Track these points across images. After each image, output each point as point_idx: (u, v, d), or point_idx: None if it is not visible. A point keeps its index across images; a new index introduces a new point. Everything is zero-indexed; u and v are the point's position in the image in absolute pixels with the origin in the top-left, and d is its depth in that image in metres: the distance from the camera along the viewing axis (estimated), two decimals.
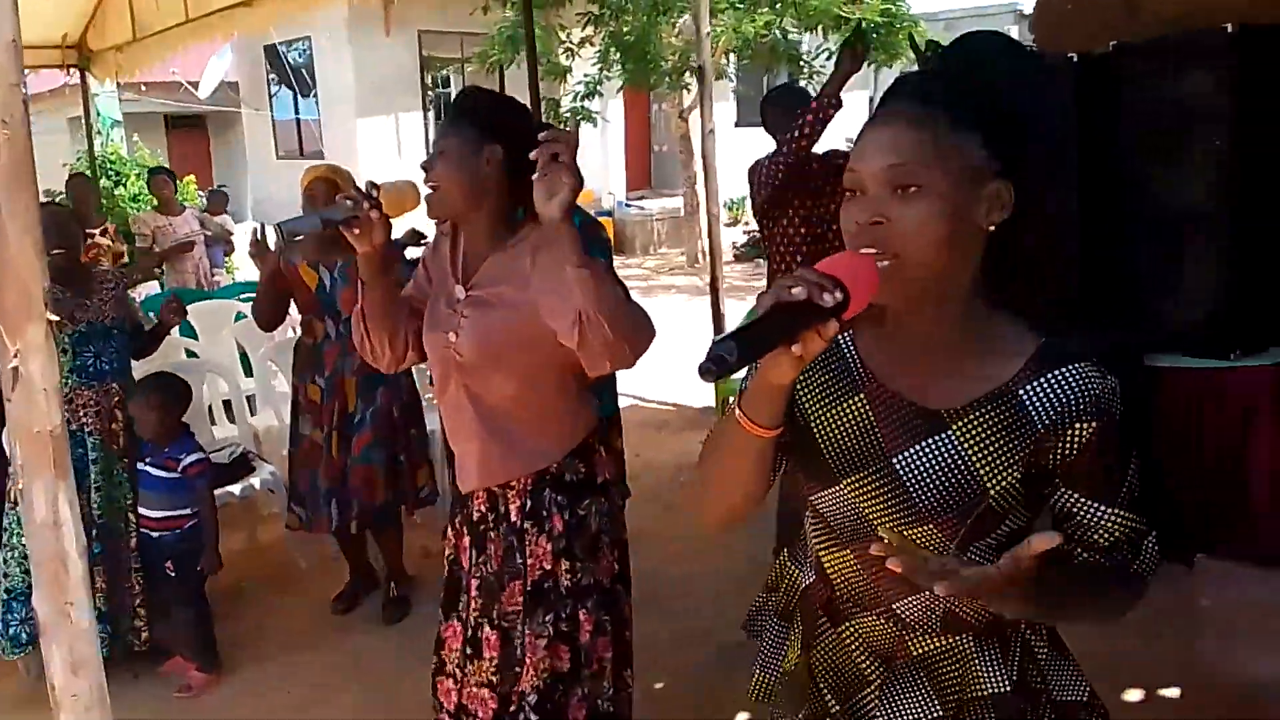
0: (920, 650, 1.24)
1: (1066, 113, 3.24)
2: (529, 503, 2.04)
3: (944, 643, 1.23)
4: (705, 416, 5.53)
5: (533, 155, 1.66)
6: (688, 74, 10.94)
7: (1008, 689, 1.21)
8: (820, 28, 10.88)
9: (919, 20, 11.22)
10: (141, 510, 3.10)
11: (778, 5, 10.65)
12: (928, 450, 1.16)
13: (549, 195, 1.67)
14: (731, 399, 1.24)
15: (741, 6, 10.75)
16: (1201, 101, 3.17)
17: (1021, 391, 1.13)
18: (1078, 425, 1.11)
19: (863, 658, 1.27)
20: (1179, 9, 3.75)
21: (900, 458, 1.17)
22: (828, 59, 10.17)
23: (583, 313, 1.74)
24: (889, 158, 1.09)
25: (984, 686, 1.21)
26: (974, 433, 1.14)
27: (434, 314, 2.09)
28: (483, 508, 2.10)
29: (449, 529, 2.22)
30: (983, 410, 1.14)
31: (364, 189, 1.93)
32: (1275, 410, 3.14)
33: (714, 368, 0.93)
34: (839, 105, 3.15)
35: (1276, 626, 2.92)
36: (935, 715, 1.21)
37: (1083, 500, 1.14)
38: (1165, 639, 2.81)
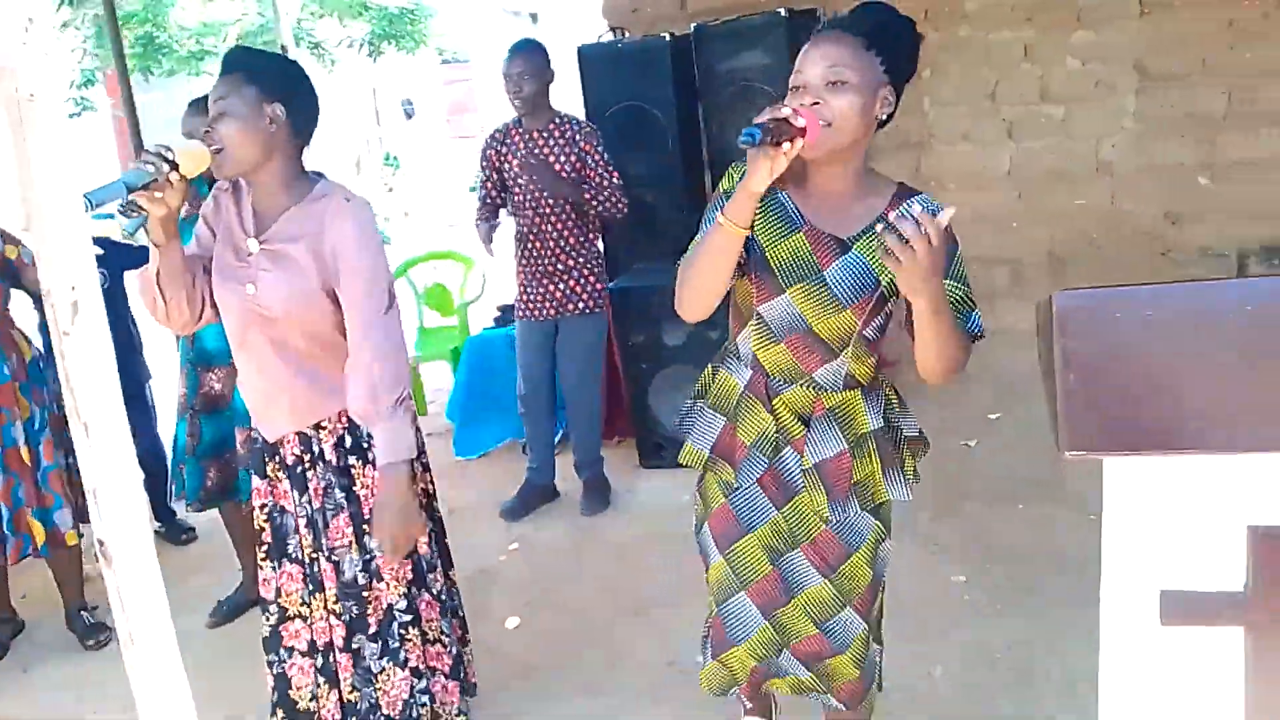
0: (830, 404, 1.83)
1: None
2: (348, 438, 2.19)
3: (844, 397, 1.84)
4: None
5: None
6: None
7: (881, 424, 1.85)
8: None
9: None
10: None
11: None
12: (842, 264, 1.74)
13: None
14: None
15: None
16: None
17: (890, 216, 1.61)
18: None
19: (790, 419, 1.85)
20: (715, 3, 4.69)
21: (828, 271, 1.74)
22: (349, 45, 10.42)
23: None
24: (827, 61, 1.63)
25: (867, 424, 1.84)
26: (867, 246, 1.73)
27: (223, 267, 2.13)
28: (296, 450, 2.20)
29: (259, 479, 2.27)
30: (870, 233, 1.72)
31: (157, 151, 1.94)
32: None
33: (750, 140, 1.49)
34: None
35: None
36: (842, 444, 1.83)
37: None
38: None
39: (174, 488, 3.34)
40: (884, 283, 1.73)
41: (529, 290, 3.80)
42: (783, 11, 4.00)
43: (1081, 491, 3.46)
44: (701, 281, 1.74)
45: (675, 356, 3.98)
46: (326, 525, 2.20)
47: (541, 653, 2.97)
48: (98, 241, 3.40)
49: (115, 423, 1.18)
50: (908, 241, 1.45)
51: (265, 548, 2.28)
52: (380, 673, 2.24)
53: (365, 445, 2.20)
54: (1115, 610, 1.67)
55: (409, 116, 19.57)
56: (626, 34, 4.54)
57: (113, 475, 1.18)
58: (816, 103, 1.62)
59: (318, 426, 2.18)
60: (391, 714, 2.25)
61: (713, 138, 4.27)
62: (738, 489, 1.90)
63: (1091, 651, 2.69)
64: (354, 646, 2.23)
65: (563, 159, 3.64)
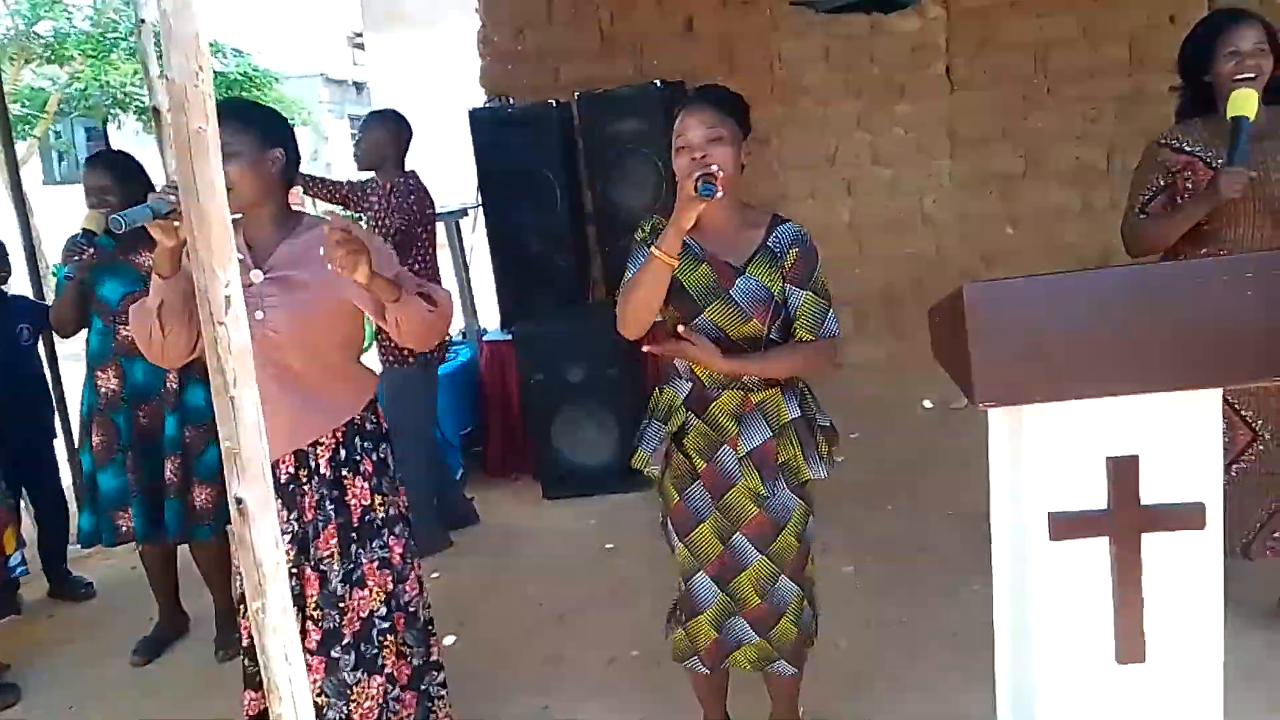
0: (757, 400, 2.22)
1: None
2: (342, 452, 2.39)
3: (767, 394, 2.23)
4: None
5: (323, 248, 2.06)
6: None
7: (799, 414, 2.25)
8: None
9: (277, 77, 11.90)
10: None
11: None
12: (741, 283, 2.16)
13: (353, 270, 2.07)
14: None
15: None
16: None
17: (769, 243, 2.18)
18: (791, 250, 2.17)
19: (725, 419, 2.22)
20: (582, 75, 5.17)
21: (732, 290, 2.16)
22: None
23: (399, 322, 2.22)
24: (706, 123, 2.10)
25: (789, 414, 2.23)
26: (757, 269, 2.16)
27: None
28: (290, 468, 2.39)
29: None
30: (756, 258, 2.17)
31: (173, 185, 2.13)
32: None
33: (709, 192, 1.93)
34: None
35: None
36: (768, 432, 2.21)
37: (793, 288, 2.16)
38: None
39: (104, 537, 3.33)
40: (775, 293, 2.17)
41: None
42: (657, 83, 4.49)
43: (937, 492, 4.01)
44: (640, 305, 2.13)
45: (575, 393, 4.31)
46: (316, 536, 2.38)
47: (483, 661, 3.19)
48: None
49: (253, 400, 1.42)
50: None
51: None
52: (356, 684, 2.38)
53: (357, 458, 2.41)
54: (1004, 535, 2.15)
55: None
56: (511, 100, 4.91)
57: (252, 444, 1.42)
58: (704, 155, 2.06)
59: (315, 444, 2.38)
60: None
61: (596, 194, 4.67)
62: (691, 481, 2.26)
63: (964, 615, 3.33)
64: (334, 656, 2.39)
65: None
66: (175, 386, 3.21)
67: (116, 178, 3.14)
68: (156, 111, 5.74)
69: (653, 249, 2.07)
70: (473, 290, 5.17)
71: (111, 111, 10.94)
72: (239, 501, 1.42)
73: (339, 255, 2.02)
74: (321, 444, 2.38)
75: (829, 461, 2.29)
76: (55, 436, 3.95)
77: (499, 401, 4.68)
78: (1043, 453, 1.90)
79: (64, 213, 4.45)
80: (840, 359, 2.30)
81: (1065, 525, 1.95)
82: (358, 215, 3.85)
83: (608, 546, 3.96)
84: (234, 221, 2.38)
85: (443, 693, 2.58)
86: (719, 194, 1.97)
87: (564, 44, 5.30)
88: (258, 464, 1.42)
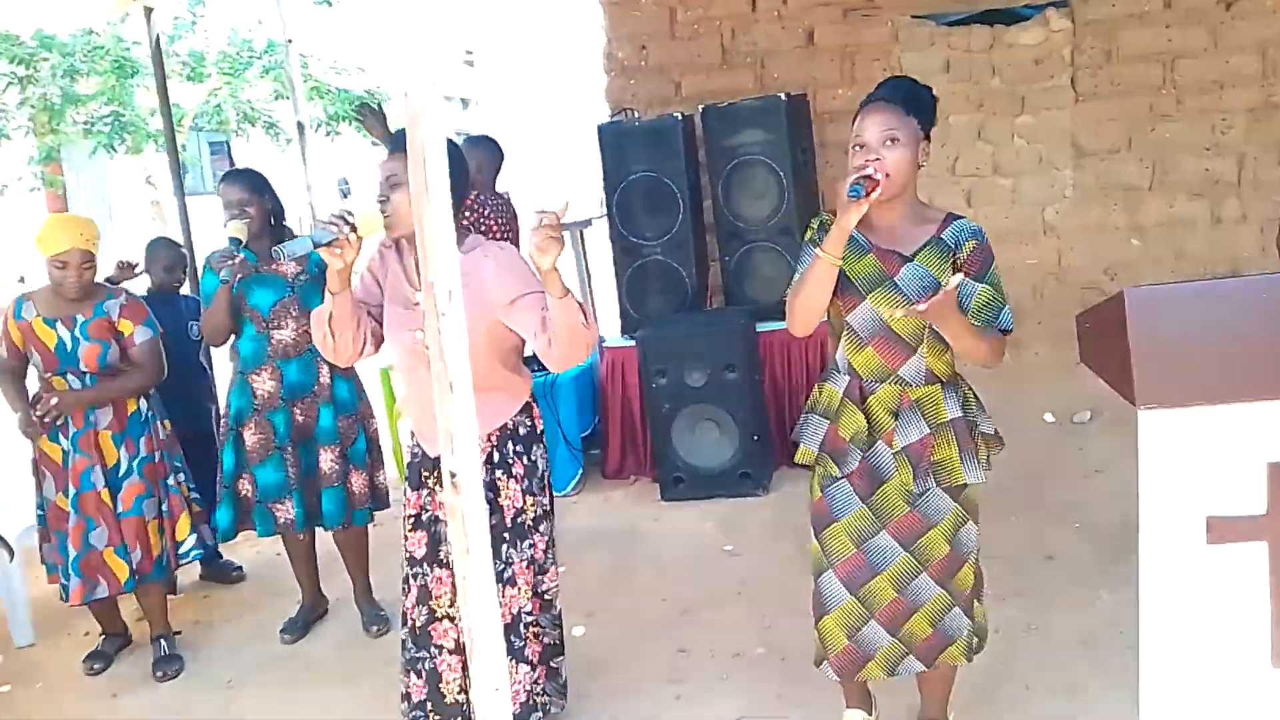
0: (915, 396, 2.26)
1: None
2: (496, 454, 2.55)
3: (926, 390, 2.26)
4: None
5: (533, 228, 2.18)
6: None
7: (960, 415, 2.27)
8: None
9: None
10: None
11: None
12: (908, 271, 2.22)
13: (542, 252, 2.19)
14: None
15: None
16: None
17: (943, 235, 2.22)
18: (967, 242, 2.22)
19: (883, 413, 2.28)
20: (703, 87, 5.29)
21: (897, 277, 2.22)
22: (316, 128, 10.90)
23: (549, 325, 2.33)
24: (882, 125, 2.15)
25: (948, 414, 2.26)
26: (926, 259, 2.22)
27: (394, 316, 2.52)
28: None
29: (412, 491, 2.60)
30: (927, 248, 2.23)
31: (341, 215, 2.33)
32: None
33: (857, 194, 2.04)
34: None
35: None
36: (925, 429, 2.25)
37: (969, 280, 2.20)
38: None
39: (261, 527, 3.51)
40: (944, 285, 2.18)
41: None
42: (783, 95, 4.58)
43: (1063, 504, 3.99)
44: (809, 304, 2.23)
45: (696, 397, 4.42)
46: None
47: (612, 651, 3.30)
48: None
49: (467, 383, 1.56)
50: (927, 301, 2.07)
51: (412, 555, 2.60)
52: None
53: (510, 461, 2.56)
54: (1155, 538, 2.17)
55: (344, 195, 19.90)
56: (636, 114, 5.07)
57: (466, 424, 1.56)
58: (878, 158, 2.12)
59: None
60: (514, 708, 2.56)
61: (717, 204, 4.78)
62: (835, 481, 2.32)
63: (1096, 622, 3.31)
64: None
65: None
66: (329, 381, 3.43)
67: (251, 191, 3.36)
68: (301, 126, 6.14)
69: (817, 250, 2.17)
70: (594, 298, 5.32)
71: (240, 127, 11.54)
72: (453, 475, 1.56)
73: (542, 235, 2.15)
74: (479, 446, 2.54)
75: (986, 467, 2.30)
76: (218, 427, 4.20)
77: (618, 406, 4.82)
78: (1202, 456, 1.92)
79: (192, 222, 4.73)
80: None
81: (1222, 529, 1.97)
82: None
83: (727, 548, 4.04)
84: (397, 244, 2.57)
85: (564, 673, 2.76)
86: (874, 196, 2.06)
87: (685, 57, 5.44)
88: (471, 441, 1.56)
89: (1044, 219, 5.26)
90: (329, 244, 2.29)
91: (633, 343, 4.61)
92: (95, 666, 3.47)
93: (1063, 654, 2.98)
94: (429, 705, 2.60)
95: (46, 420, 3.22)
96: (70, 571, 3.26)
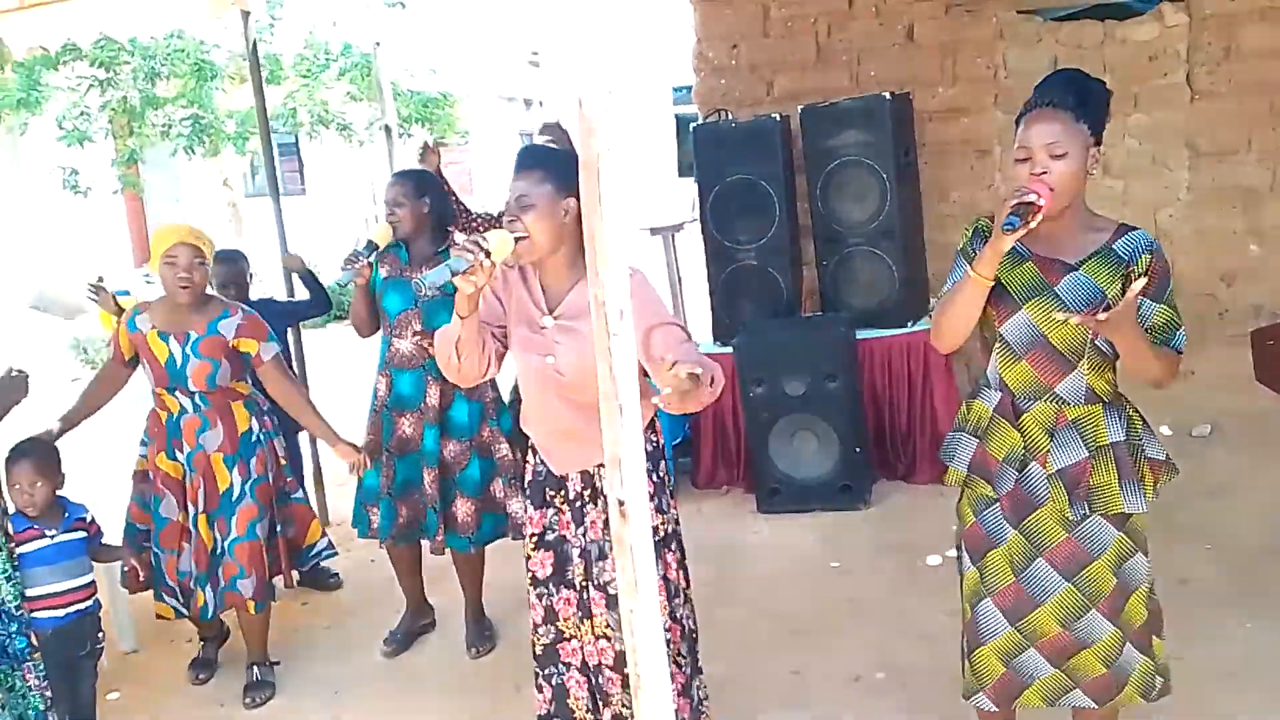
0: (1072, 416, 2.11)
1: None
2: None
3: (1086, 410, 2.11)
4: None
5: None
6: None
7: (1122, 438, 2.11)
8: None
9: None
10: (37, 591, 2.77)
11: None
12: (1071, 280, 2.06)
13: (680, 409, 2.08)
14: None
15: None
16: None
17: (1115, 246, 2.05)
18: (1144, 256, 2.05)
19: (1037, 431, 2.13)
20: (796, 86, 5.16)
21: (1058, 286, 2.07)
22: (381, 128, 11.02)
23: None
24: (1048, 137, 1.99)
25: (1109, 436, 2.10)
26: (1093, 269, 2.06)
27: (522, 339, 2.43)
28: (578, 487, 2.46)
29: (535, 509, 2.52)
30: (1095, 258, 2.07)
31: (475, 241, 2.24)
32: (939, 361, 4.49)
33: (1012, 227, 1.93)
34: None
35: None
36: (1084, 452, 2.10)
37: (1147, 301, 2.03)
38: None
39: (358, 527, 3.53)
40: (1110, 297, 2.04)
41: None
42: (886, 95, 4.43)
43: (1192, 523, 3.78)
44: (956, 322, 2.12)
45: (794, 406, 4.29)
46: (603, 557, 2.42)
47: (724, 672, 3.18)
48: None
49: (636, 408, 1.47)
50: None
51: (535, 575, 2.51)
52: None
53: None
54: None
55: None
56: (731, 115, 4.94)
57: (633, 450, 1.47)
58: (1044, 172, 1.98)
59: (599, 465, 2.44)
60: None
61: (814, 207, 4.65)
62: (990, 505, 2.19)
63: (1241, 653, 3.04)
64: (624, 670, 2.45)
65: None
66: (436, 403, 3.32)
67: (406, 194, 3.31)
68: (388, 129, 6.11)
69: (967, 269, 2.04)
70: (685, 304, 5.22)
71: (314, 129, 11.63)
72: (620, 503, 1.47)
73: (674, 398, 2.06)
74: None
75: (1152, 495, 2.13)
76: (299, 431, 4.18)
77: (710, 414, 4.70)
78: None
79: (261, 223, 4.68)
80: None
81: None
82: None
83: (833, 565, 3.91)
84: (527, 267, 2.49)
85: (706, 697, 2.61)
86: (1034, 224, 1.93)
87: (779, 56, 5.30)
88: (639, 468, 1.47)
89: (1156, 223, 5.02)
90: (466, 271, 2.20)
91: (728, 349, 4.49)
92: (201, 676, 3.45)
93: (1211, 688, 2.80)
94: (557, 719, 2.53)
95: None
96: (194, 588, 3.22)
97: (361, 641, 3.64)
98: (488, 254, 2.20)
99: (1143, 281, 1.94)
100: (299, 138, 13.99)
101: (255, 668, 3.40)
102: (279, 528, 3.37)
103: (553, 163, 2.39)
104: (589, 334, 2.35)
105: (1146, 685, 2.20)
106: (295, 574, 3.67)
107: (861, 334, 4.49)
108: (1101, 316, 1.91)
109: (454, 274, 2.19)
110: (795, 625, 3.44)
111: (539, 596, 2.51)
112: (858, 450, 4.31)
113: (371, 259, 3.26)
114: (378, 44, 5.44)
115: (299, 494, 3.51)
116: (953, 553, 3.80)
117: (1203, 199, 4.98)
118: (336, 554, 3.66)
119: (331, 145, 12.46)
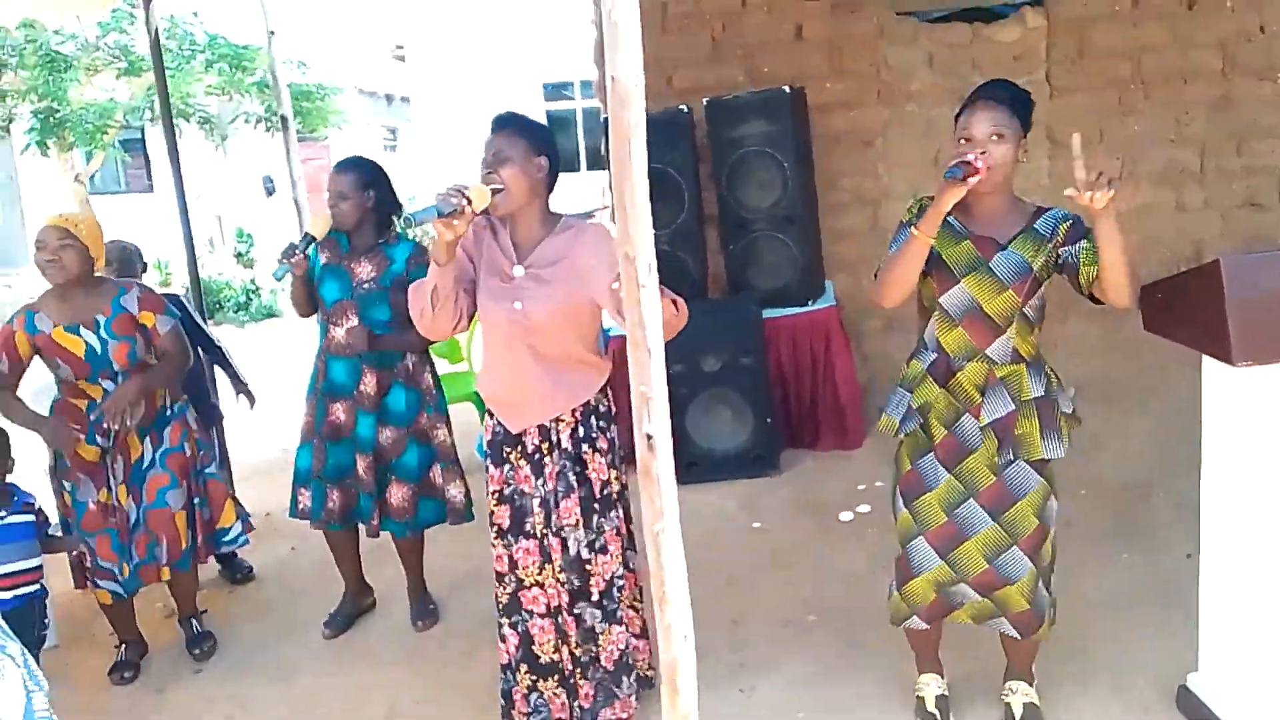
0: (1001, 374, 2.42)
1: None
2: (581, 429, 2.64)
3: (1012, 369, 2.42)
4: None
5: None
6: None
7: (1042, 394, 2.42)
8: None
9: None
10: None
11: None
12: (1001, 256, 2.38)
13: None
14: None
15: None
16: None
17: (1036, 225, 2.37)
18: (1061, 225, 2.39)
19: (970, 388, 2.43)
20: (694, 80, 5.41)
21: (992, 262, 2.38)
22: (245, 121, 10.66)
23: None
24: (989, 123, 2.32)
25: (1032, 392, 2.41)
26: (1020, 245, 2.38)
27: (492, 289, 2.58)
28: (535, 440, 2.63)
29: (495, 468, 2.67)
30: (1021, 236, 2.39)
31: (458, 189, 2.39)
32: (839, 337, 4.82)
33: (954, 175, 2.21)
34: None
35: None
36: (1010, 406, 2.40)
37: (1068, 247, 2.35)
38: None
39: (290, 509, 3.55)
40: (1036, 269, 2.36)
41: None
42: (785, 89, 4.73)
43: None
44: (900, 278, 2.39)
45: (711, 381, 4.54)
46: (557, 505, 2.62)
47: None
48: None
49: (661, 353, 1.65)
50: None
51: (499, 527, 2.67)
52: (601, 632, 2.66)
53: (594, 436, 2.65)
54: (1217, 490, 2.34)
55: (269, 193, 19.47)
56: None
57: (660, 389, 1.65)
58: (984, 151, 2.28)
59: (556, 420, 2.61)
60: (608, 666, 2.66)
61: (719, 196, 4.90)
62: (924, 454, 2.47)
63: (1114, 582, 3.43)
64: (576, 611, 2.64)
65: None
66: (372, 391, 3.36)
67: (350, 185, 3.30)
68: (285, 120, 6.05)
69: (912, 228, 2.31)
70: None
71: (175, 123, 11.18)
72: (649, 437, 1.65)
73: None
74: (563, 420, 2.62)
75: (1067, 444, 2.42)
76: (219, 421, 4.14)
77: (627, 392, 4.88)
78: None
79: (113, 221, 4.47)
80: None
81: None
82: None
83: (755, 525, 4.17)
84: (503, 220, 2.64)
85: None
86: (972, 182, 2.21)
87: (676, 52, 5.53)
88: (664, 406, 1.65)
89: None
90: (451, 214, 2.34)
91: None
92: (125, 675, 3.39)
93: (1098, 610, 3.18)
94: (523, 667, 2.68)
95: (120, 430, 3.15)
96: (122, 561, 3.22)
97: (302, 625, 3.67)
98: (469, 200, 2.36)
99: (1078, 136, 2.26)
100: (145, 132, 13.38)
101: (191, 621, 3.49)
102: (196, 502, 3.37)
103: (526, 124, 2.59)
104: (557, 284, 2.54)
105: (1050, 622, 2.53)
106: (210, 556, 3.64)
107: (767, 313, 4.77)
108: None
109: (440, 214, 2.32)
110: (728, 579, 3.68)
111: (504, 548, 2.66)
112: (768, 421, 4.59)
113: (308, 251, 3.28)
114: (272, 33, 5.39)
115: (211, 469, 3.48)
116: (864, 508, 4.18)
117: (1060, 184, 5.45)
118: (249, 542, 3.66)
119: (194, 140, 12.04)
